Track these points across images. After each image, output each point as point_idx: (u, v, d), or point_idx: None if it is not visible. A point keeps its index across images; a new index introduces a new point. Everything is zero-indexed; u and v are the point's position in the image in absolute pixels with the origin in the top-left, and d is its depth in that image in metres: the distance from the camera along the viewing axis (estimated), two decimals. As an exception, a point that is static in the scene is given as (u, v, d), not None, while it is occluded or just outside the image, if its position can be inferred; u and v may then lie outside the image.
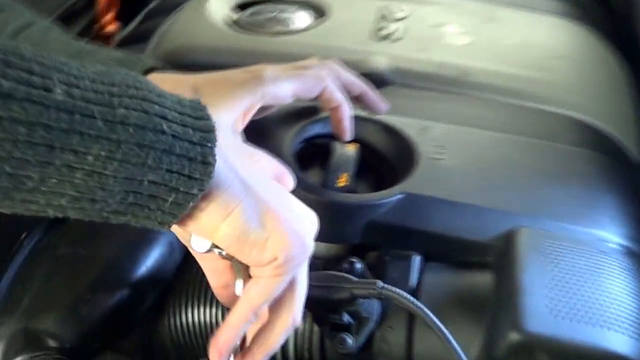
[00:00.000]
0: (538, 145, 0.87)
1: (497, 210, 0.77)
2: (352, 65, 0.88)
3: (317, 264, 0.79)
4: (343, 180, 0.81)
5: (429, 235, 0.77)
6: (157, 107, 0.48)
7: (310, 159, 0.87)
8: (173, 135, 0.48)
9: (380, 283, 0.67)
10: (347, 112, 0.80)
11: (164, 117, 0.48)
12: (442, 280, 0.76)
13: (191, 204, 0.50)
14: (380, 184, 0.85)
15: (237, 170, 0.53)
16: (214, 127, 0.50)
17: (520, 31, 1.03)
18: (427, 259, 0.78)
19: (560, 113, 0.92)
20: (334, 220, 0.78)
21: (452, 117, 0.90)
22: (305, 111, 0.88)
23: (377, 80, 0.94)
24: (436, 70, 0.95)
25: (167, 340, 0.79)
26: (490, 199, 0.79)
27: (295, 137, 0.85)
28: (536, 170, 0.83)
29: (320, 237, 0.80)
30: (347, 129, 0.81)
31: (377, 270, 0.76)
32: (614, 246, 0.76)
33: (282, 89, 0.74)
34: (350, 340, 0.70)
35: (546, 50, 1.00)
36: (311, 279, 0.64)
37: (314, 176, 0.84)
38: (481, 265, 0.76)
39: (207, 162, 0.50)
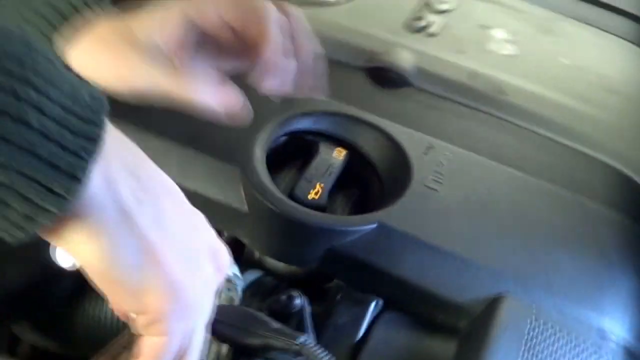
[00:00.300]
0: (558, 194, 0.72)
1: (483, 268, 0.64)
2: (371, 53, 0.74)
3: (266, 282, 0.68)
4: (316, 193, 0.68)
5: (395, 279, 0.64)
6: (33, 93, 0.37)
7: (291, 157, 0.74)
8: (41, 133, 0.38)
9: (302, 339, 0.55)
10: (277, 51, 0.60)
11: (37, 108, 0.37)
12: (397, 337, 0.63)
13: (46, 222, 0.39)
14: (360, 204, 0.71)
15: (120, 194, 0.42)
16: (101, 137, 0.39)
17: (579, 51, 0.88)
18: (387, 306, 0.65)
19: (597, 159, 0.77)
20: (291, 239, 0.65)
21: (467, 139, 0.76)
22: (299, 103, 0.74)
23: (396, 77, 0.80)
24: (466, 80, 0.80)
25: (80, 327, 0.69)
26: (480, 251, 0.65)
27: (279, 128, 0.72)
28: (546, 225, 0.69)
29: (273, 254, 0.69)
30: (271, 75, 0.61)
31: (326, 308, 0.64)
32: (613, 342, 0.61)
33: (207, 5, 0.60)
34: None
35: (602, 80, 0.85)
36: (227, 313, 0.53)
37: (287, 179, 0.71)
38: (449, 329, 0.63)
39: (75, 176, 0.38)
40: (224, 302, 0.65)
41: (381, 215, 0.66)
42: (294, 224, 0.64)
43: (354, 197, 0.73)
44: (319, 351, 0.54)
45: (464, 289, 0.63)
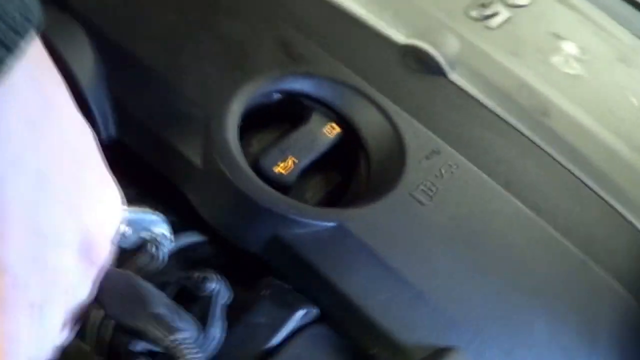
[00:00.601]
0: (563, 247, 0.61)
1: (442, 310, 0.54)
2: (414, 30, 0.63)
3: (198, 252, 0.58)
4: (285, 167, 0.58)
5: (338, 293, 0.54)
6: None
7: (281, 121, 0.64)
8: None
9: (178, 335, 0.45)
10: None
11: None
12: (316, 357, 0.53)
13: None
14: (337, 195, 0.61)
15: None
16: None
17: (653, 93, 0.74)
18: (322, 319, 0.54)
19: (625, 221, 0.64)
20: (236, 212, 0.56)
21: (484, 155, 0.65)
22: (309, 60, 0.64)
23: (430, 63, 0.68)
24: (508, 87, 0.68)
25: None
26: (444, 290, 0.55)
27: (272, 83, 0.62)
28: (534, 279, 0.58)
29: (216, 224, 0.60)
30: None
31: (247, 300, 0.54)
32: None
33: None
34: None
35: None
36: (113, 280, 0.44)
37: (261, 144, 0.61)
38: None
39: None
40: (143, 262, 0.56)
41: (345, 215, 0.55)
42: (240, 195, 0.55)
43: (332, 185, 0.62)
44: (192, 355, 0.45)
45: (411, 328, 0.53)
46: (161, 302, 0.47)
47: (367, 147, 0.63)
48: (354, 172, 0.63)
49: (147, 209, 0.53)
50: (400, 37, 0.72)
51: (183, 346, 0.45)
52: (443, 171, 0.61)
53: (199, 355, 0.45)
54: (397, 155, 0.61)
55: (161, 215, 0.53)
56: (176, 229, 0.59)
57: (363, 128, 0.63)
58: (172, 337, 0.45)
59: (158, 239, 0.54)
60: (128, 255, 0.55)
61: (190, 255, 0.60)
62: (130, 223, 0.52)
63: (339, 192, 0.62)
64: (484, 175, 0.62)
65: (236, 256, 0.59)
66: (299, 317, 0.54)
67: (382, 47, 0.70)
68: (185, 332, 0.46)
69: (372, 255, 0.55)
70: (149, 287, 0.48)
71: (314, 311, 0.55)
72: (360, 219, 0.56)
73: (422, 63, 0.70)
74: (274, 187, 0.57)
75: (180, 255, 0.59)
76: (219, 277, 0.53)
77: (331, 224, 0.55)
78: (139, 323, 0.46)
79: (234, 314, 0.54)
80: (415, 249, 0.56)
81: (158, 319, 0.46)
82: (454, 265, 0.56)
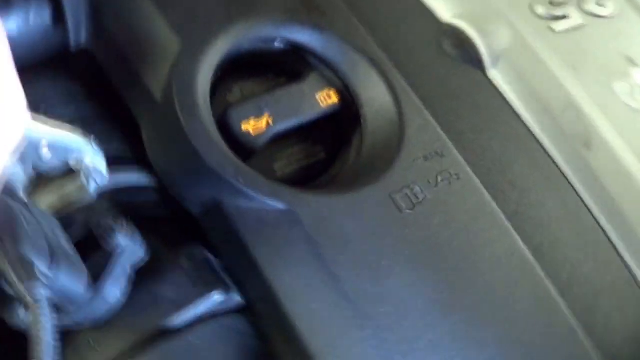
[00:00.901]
0: (557, 312, 0.50)
1: (380, 346, 0.44)
2: (464, 14, 0.57)
3: (136, 197, 0.50)
4: (255, 126, 0.49)
5: (266, 287, 0.45)
6: None
7: (277, 74, 0.54)
8: None
9: (37, 292, 0.37)
10: None
11: None
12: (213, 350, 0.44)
13: None
14: (311, 172, 0.52)
15: None
16: None
17: None
18: (245, 310, 0.46)
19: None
20: (180, 163, 0.47)
21: (497, 175, 0.54)
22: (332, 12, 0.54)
23: (473, 54, 0.58)
24: (554, 106, 0.57)
25: None
26: (390, 322, 0.45)
27: (272, 27, 0.52)
28: (502, 340, 0.47)
29: (160, 171, 0.51)
30: None
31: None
32: None
33: None
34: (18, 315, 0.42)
35: None
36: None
37: (241, 94, 0.52)
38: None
39: None
40: (68, 191, 0.47)
41: (300, 199, 0.46)
42: (186, 144, 0.46)
43: (310, 161, 0.52)
44: (46, 322, 0.36)
45: (337, 354, 0.43)
46: (37, 243, 0.39)
47: (362, 128, 0.53)
48: (339, 152, 0.53)
49: (81, 135, 0.44)
50: (444, 13, 0.61)
51: (39, 310, 0.36)
52: (439, 179, 0.51)
53: (53, 328, 0.36)
54: (391, 146, 0.51)
55: (96, 145, 0.45)
56: (122, 165, 0.50)
57: (365, 105, 0.53)
58: (31, 294, 0.36)
59: (89, 170, 0.45)
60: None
61: (132, 200, 0.51)
62: (52, 145, 0.44)
63: (316, 172, 0.52)
64: (488, 197, 0.52)
65: (179, 213, 0.50)
66: (214, 301, 0.46)
67: (420, 19, 0.59)
68: (43, 290, 0.37)
69: (317, 256, 0.45)
70: (30, 221, 0.39)
71: (236, 300, 0.46)
72: (317, 208, 0.46)
73: (460, 49, 0.59)
74: (236, 147, 0.47)
75: (119, 197, 0.50)
76: (132, 232, 0.44)
77: (281, 205, 0.45)
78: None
79: (145, 277, 0.46)
80: (372, 262, 0.46)
81: (21, 261, 0.37)
82: (414, 294, 0.46)
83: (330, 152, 0.54)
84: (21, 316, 0.41)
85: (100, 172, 0.47)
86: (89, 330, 0.44)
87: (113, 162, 0.51)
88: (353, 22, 0.55)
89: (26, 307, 0.37)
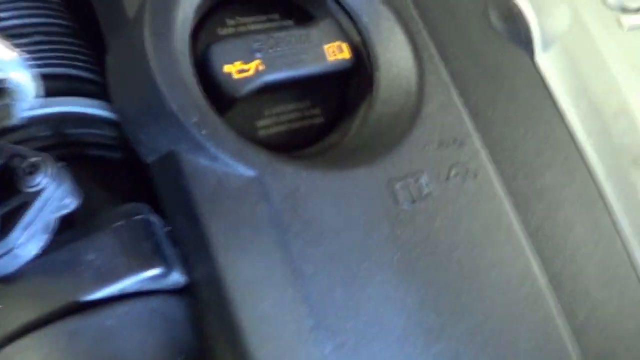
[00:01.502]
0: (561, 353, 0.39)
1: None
2: None
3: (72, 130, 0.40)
4: (242, 70, 0.39)
5: (213, 270, 0.35)
6: None
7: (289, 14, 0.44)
8: None
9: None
10: None
11: None
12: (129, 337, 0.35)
13: None
14: (302, 137, 0.42)
15: None
16: None
17: None
18: (185, 291, 0.37)
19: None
20: (136, 99, 0.38)
21: (524, 179, 0.43)
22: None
23: (523, 33, 0.47)
24: (605, 110, 0.46)
25: None
26: (358, 337, 0.35)
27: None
28: None
29: (117, 108, 0.41)
30: None
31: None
32: None
33: None
34: None
35: None
36: None
37: (235, 30, 0.42)
38: None
39: None
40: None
41: (275, 167, 0.36)
42: (148, 78, 0.36)
43: (307, 121, 0.43)
44: None
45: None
46: None
47: (372, 94, 0.42)
48: (340, 119, 0.43)
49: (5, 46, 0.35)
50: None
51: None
52: (452, 172, 0.41)
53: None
54: (402, 122, 0.41)
55: (24, 58, 0.35)
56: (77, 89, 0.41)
57: (381, 68, 0.43)
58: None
59: (13, 87, 0.36)
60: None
61: (81, 134, 0.42)
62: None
63: (307, 139, 0.42)
64: (507, 205, 0.42)
65: (135, 158, 0.40)
66: (146, 277, 0.36)
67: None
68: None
69: (283, 243, 0.35)
70: None
71: (174, 279, 0.36)
72: (292, 182, 0.37)
73: (509, 22, 0.48)
74: (216, 93, 0.38)
75: (64, 128, 0.41)
76: (59, 173, 0.34)
77: (249, 171, 0.35)
78: None
79: (72, 232, 0.36)
80: (350, 262, 0.36)
81: None
82: (395, 311, 0.36)
83: (330, 117, 0.43)
84: None
85: (26, 92, 0.37)
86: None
87: (68, 86, 0.42)
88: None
89: None
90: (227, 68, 0.39)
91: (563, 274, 0.43)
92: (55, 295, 0.35)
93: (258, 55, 0.40)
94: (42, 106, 0.41)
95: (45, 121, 0.41)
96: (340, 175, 0.38)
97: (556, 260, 0.42)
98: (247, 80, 0.40)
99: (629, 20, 0.51)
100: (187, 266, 0.37)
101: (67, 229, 0.37)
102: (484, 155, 0.42)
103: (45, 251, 0.36)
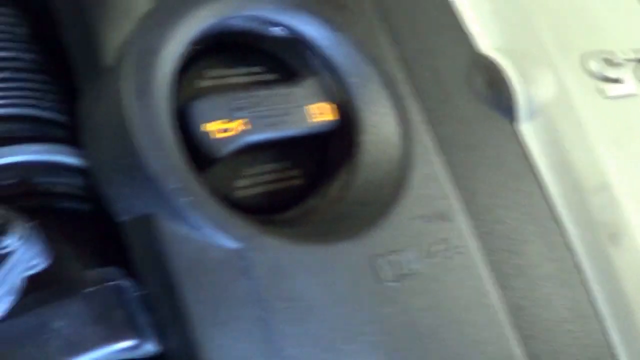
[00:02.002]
0: None
1: None
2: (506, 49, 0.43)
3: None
4: (225, 129, 0.37)
5: (190, 347, 0.32)
6: None
7: (271, 66, 0.42)
8: None
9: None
10: None
11: None
12: None
13: None
14: (279, 199, 0.39)
15: None
16: None
17: None
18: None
19: None
20: (108, 153, 0.34)
21: (508, 257, 0.41)
22: None
23: (506, 100, 0.46)
24: (585, 185, 0.45)
25: None
26: None
27: (277, 7, 0.40)
28: None
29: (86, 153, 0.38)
30: None
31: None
32: None
33: None
34: None
35: None
36: None
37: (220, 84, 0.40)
38: None
39: None
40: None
41: (260, 241, 0.33)
42: (121, 131, 0.33)
43: (286, 183, 0.40)
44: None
45: None
46: None
47: (355, 159, 0.40)
48: (319, 183, 0.41)
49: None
50: (484, 42, 0.48)
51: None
52: (438, 249, 0.39)
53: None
54: (386, 192, 0.39)
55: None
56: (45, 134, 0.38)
57: (366, 132, 0.41)
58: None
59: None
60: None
61: (48, 184, 0.39)
62: None
63: (285, 201, 0.40)
64: (490, 283, 0.40)
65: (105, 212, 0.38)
66: (117, 348, 0.33)
67: (453, 43, 0.47)
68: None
69: (264, 321, 0.33)
70: None
71: (149, 349, 0.34)
72: (276, 257, 0.35)
73: (492, 89, 0.47)
74: (192, 151, 0.35)
75: (30, 177, 0.38)
76: (30, 233, 0.31)
77: (232, 244, 0.33)
78: None
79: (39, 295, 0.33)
80: (330, 342, 0.34)
81: None
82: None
83: (309, 178, 0.41)
84: None
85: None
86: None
87: (35, 129, 0.39)
88: (376, 27, 0.43)
89: None
90: (206, 127, 0.37)
91: (543, 353, 0.41)
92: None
93: (240, 114, 0.38)
94: (6, 154, 0.38)
95: (10, 169, 0.38)
96: (323, 249, 0.36)
97: (537, 341, 0.41)
98: (228, 140, 0.37)
99: (610, 89, 0.50)
100: (160, 334, 0.34)
101: (33, 290, 0.34)
102: (468, 231, 0.41)
103: (9, 315, 0.33)
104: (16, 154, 0.38)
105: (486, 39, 0.49)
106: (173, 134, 0.35)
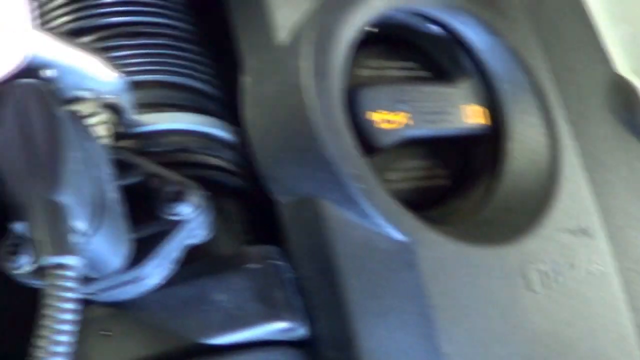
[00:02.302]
0: None
1: None
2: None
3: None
4: (389, 121, 0.36)
5: (347, 332, 0.31)
6: None
7: (419, 61, 0.42)
8: None
9: (70, 261, 0.24)
10: None
11: None
12: None
13: None
14: (425, 195, 0.39)
15: None
16: None
17: None
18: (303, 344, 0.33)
19: None
20: (281, 136, 0.34)
21: None
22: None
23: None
24: None
25: None
26: None
27: (439, 4, 0.39)
28: None
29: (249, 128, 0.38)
30: None
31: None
32: None
33: None
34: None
35: None
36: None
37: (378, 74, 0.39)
38: None
39: None
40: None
41: (426, 236, 0.33)
42: (299, 112, 0.33)
43: (433, 182, 0.40)
44: (69, 302, 0.23)
45: None
46: (79, 185, 0.25)
47: (502, 165, 0.40)
48: (464, 184, 0.40)
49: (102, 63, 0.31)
50: (623, 63, 0.48)
51: (61, 274, 0.23)
52: (580, 262, 0.38)
53: (75, 303, 0.23)
54: (535, 201, 0.39)
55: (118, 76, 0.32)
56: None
57: (514, 139, 0.41)
58: (61, 251, 0.23)
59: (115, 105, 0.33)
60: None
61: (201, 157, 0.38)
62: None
63: (430, 200, 0.40)
64: (623, 303, 0.39)
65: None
66: (275, 329, 0.32)
67: (593, 61, 0.46)
68: (79, 255, 0.24)
69: (425, 316, 0.32)
70: (77, 149, 0.26)
71: (302, 332, 0.33)
72: (441, 253, 0.34)
73: (628, 111, 0.46)
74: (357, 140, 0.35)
75: (183, 144, 0.38)
76: (201, 202, 0.31)
77: (400, 236, 0.33)
78: (24, 198, 0.24)
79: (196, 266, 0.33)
80: (484, 344, 0.33)
81: (53, 206, 0.24)
82: None
83: (453, 179, 0.41)
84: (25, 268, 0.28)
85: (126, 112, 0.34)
86: (106, 315, 0.31)
87: (191, 100, 0.39)
88: (531, 37, 0.42)
89: (41, 272, 0.24)
90: (372, 115, 0.37)
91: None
92: (176, 334, 0.32)
93: (402, 107, 0.38)
94: (166, 120, 0.38)
95: (168, 135, 0.37)
96: (481, 251, 0.36)
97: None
98: (392, 132, 0.37)
99: None
100: (311, 320, 0.34)
101: (187, 261, 0.33)
102: (607, 249, 0.40)
103: (169, 283, 0.32)
104: (175, 120, 0.38)
105: (625, 61, 0.49)
106: (345, 119, 0.34)
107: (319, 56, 0.34)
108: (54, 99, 0.27)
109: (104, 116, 0.34)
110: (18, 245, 0.29)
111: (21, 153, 0.25)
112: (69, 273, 0.24)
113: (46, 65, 0.31)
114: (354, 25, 0.36)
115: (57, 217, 0.24)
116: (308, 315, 0.34)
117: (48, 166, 0.25)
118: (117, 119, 0.35)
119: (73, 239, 0.25)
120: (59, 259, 0.24)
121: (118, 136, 0.35)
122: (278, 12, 0.37)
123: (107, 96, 0.34)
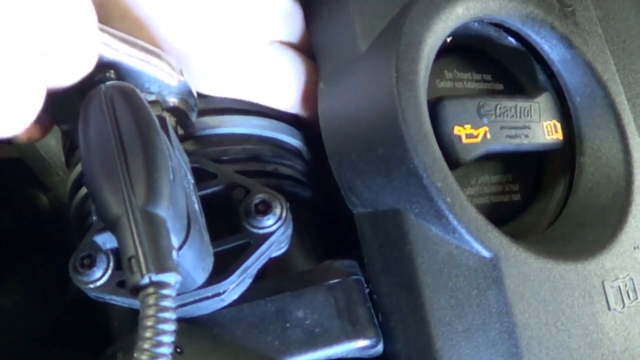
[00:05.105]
0: None
1: None
2: None
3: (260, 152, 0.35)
4: (471, 135, 0.34)
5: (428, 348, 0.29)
6: None
7: (493, 73, 0.39)
8: None
9: (169, 279, 0.21)
10: None
11: None
12: None
13: None
14: (505, 208, 0.37)
15: None
16: None
17: None
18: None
19: None
20: (363, 138, 0.32)
21: None
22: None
23: None
24: None
25: None
26: None
27: (518, 15, 0.37)
28: None
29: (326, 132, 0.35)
30: None
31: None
32: None
33: None
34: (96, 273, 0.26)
35: None
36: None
37: (457, 87, 0.37)
38: None
39: None
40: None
41: (510, 252, 0.31)
42: (389, 120, 0.30)
43: (506, 197, 0.38)
44: (169, 323, 0.21)
45: None
46: (175, 199, 0.23)
47: (575, 180, 0.38)
48: (535, 198, 0.38)
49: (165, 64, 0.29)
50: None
51: (163, 294, 0.21)
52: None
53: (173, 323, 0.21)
54: (610, 220, 0.36)
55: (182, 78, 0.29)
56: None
57: (587, 154, 0.38)
58: (161, 269, 0.21)
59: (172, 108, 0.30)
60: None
61: (280, 164, 0.36)
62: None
63: (504, 215, 0.37)
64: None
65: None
66: (356, 346, 0.30)
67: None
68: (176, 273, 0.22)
69: (510, 333, 0.30)
70: (175, 163, 0.24)
71: (379, 349, 0.31)
72: (524, 268, 0.31)
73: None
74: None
75: (257, 150, 0.35)
76: (287, 217, 0.29)
77: (485, 252, 0.30)
78: (118, 209, 0.22)
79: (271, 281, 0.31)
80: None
81: (153, 221, 0.22)
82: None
83: (526, 194, 0.38)
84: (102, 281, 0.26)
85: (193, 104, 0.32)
86: (178, 332, 0.28)
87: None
88: (605, 50, 0.39)
89: (135, 290, 0.22)
90: (458, 130, 0.34)
91: None
92: (253, 353, 0.29)
93: (485, 121, 0.35)
94: (237, 124, 0.35)
95: (239, 141, 0.35)
96: (563, 267, 0.33)
97: None
98: (474, 146, 0.35)
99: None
100: (385, 336, 0.32)
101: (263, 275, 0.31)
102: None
103: (244, 299, 0.30)
104: (245, 125, 0.35)
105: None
106: (432, 130, 0.32)
107: (406, 65, 0.32)
108: (144, 101, 0.25)
109: (169, 119, 0.32)
110: (93, 258, 0.27)
111: (115, 159, 0.22)
112: (168, 292, 0.22)
113: (111, 67, 0.29)
114: (437, 34, 0.34)
115: (157, 231, 0.22)
116: (383, 331, 0.32)
117: (146, 175, 0.23)
118: (181, 122, 0.33)
119: (174, 255, 0.22)
120: (162, 276, 0.21)
121: (181, 139, 0.33)
122: (361, 20, 0.35)
123: (170, 98, 0.32)
